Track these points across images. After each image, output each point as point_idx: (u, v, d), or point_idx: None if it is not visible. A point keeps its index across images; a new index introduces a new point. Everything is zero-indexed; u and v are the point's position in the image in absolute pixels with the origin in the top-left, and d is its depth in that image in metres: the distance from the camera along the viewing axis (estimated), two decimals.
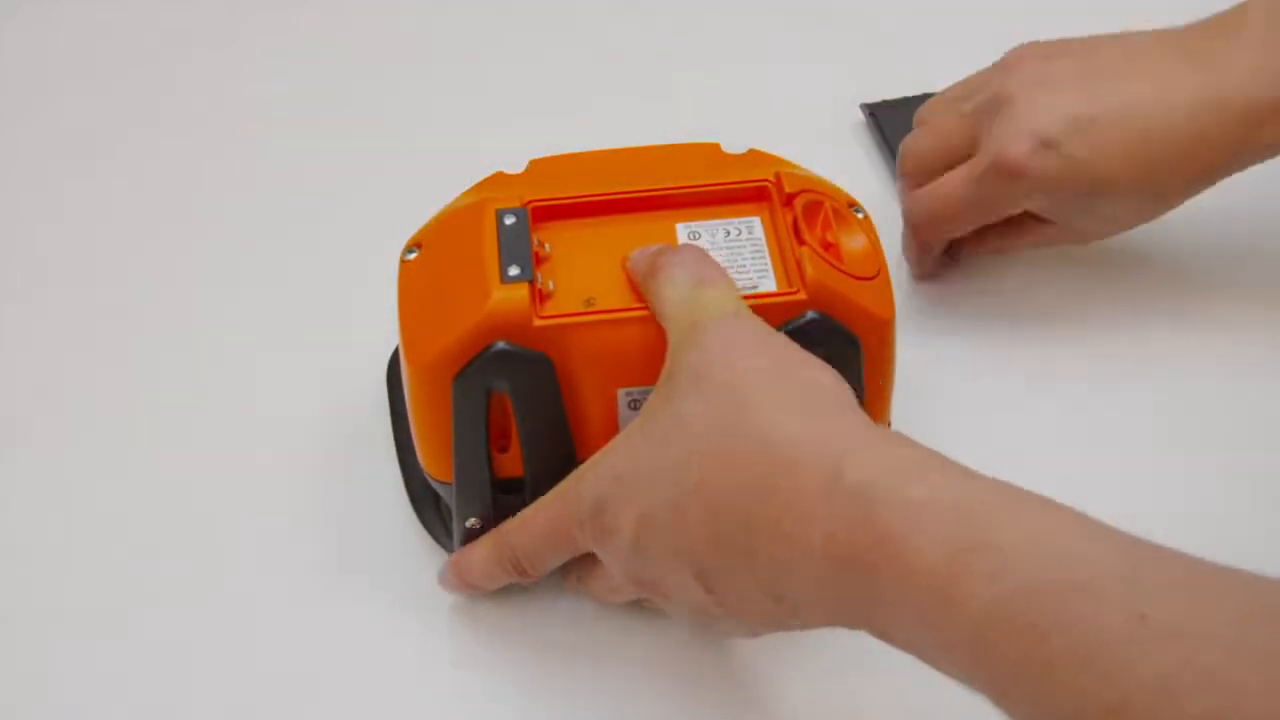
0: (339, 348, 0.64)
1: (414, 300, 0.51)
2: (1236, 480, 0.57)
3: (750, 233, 0.51)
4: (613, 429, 0.49)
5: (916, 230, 0.63)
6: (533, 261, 0.48)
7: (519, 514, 0.50)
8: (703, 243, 0.51)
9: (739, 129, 0.73)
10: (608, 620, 0.53)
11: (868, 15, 0.81)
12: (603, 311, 0.48)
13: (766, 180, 0.52)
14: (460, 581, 0.52)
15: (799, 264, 0.49)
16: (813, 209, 0.51)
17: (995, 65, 0.61)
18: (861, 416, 0.43)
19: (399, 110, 0.77)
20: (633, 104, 0.76)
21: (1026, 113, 0.57)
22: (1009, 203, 0.59)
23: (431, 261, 0.51)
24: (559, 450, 0.50)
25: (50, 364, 0.65)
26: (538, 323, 0.47)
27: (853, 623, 0.40)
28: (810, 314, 0.48)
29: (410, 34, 0.82)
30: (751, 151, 0.54)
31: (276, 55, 0.80)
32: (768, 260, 0.50)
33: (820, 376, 0.44)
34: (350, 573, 0.56)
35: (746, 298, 0.48)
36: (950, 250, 0.65)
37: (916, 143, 0.63)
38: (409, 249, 0.52)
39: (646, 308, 0.48)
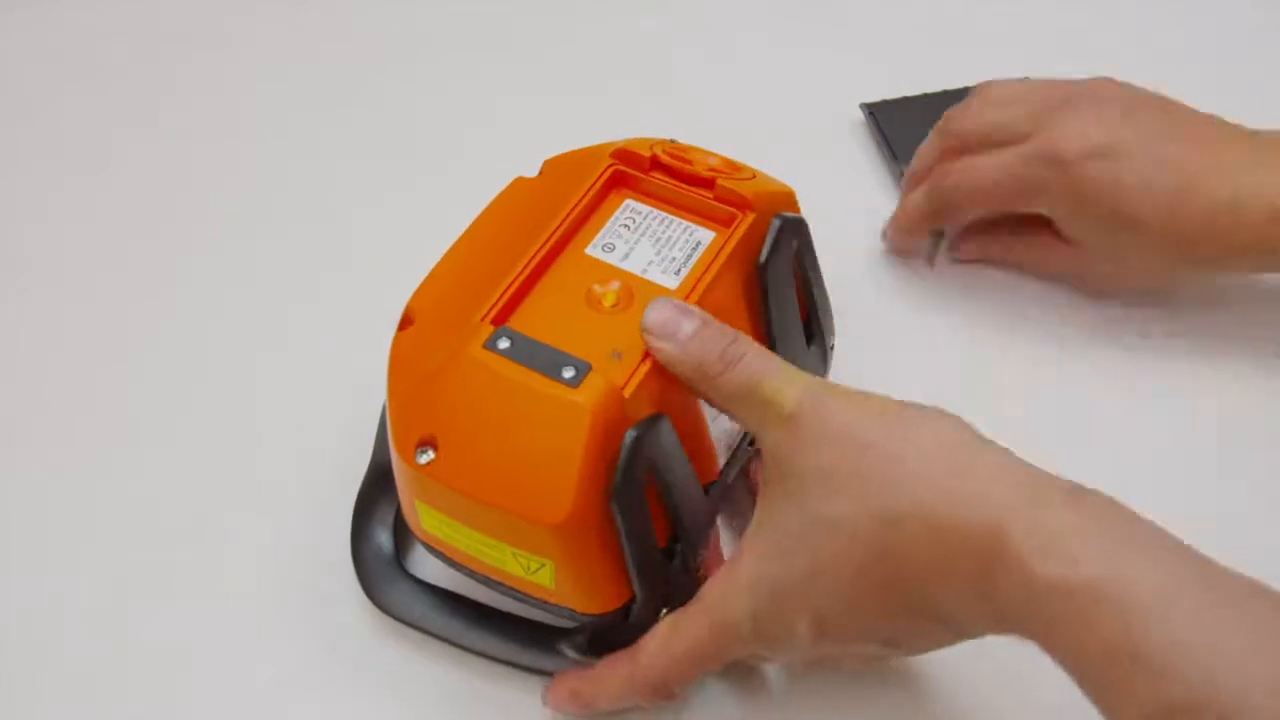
0: (340, 348, 0.64)
1: (482, 486, 0.46)
2: (1237, 481, 0.58)
3: (639, 212, 0.52)
4: (705, 437, 0.50)
5: (939, 199, 0.63)
6: (566, 353, 0.46)
7: (649, 642, 0.48)
8: (618, 250, 0.51)
9: (739, 128, 0.74)
10: None
11: (868, 15, 0.82)
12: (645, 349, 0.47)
13: (613, 165, 0.53)
14: (581, 706, 0.50)
15: (731, 194, 0.51)
16: (674, 155, 0.53)
17: (1079, 80, 0.62)
18: (996, 455, 0.43)
19: (399, 110, 0.77)
20: (632, 103, 0.76)
21: (1096, 118, 0.58)
22: (1041, 193, 0.59)
23: (465, 446, 0.46)
24: (693, 488, 0.49)
25: (50, 364, 0.65)
26: (627, 394, 0.46)
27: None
28: (777, 220, 0.51)
29: (411, 34, 0.81)
30: (547, 163, 0.55)
31: (277, 55, 0.80)
32: (679, 219, 0.52)
33: (940, 426, 0.44)
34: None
35: (720, 246, 0.50)
36: (960, 244, 0.65)
37: (972, 112, 0.62)
38: (421, 450, 0.47)
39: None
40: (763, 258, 0.51)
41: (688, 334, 0.47)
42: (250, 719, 0.53)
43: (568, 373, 0.45)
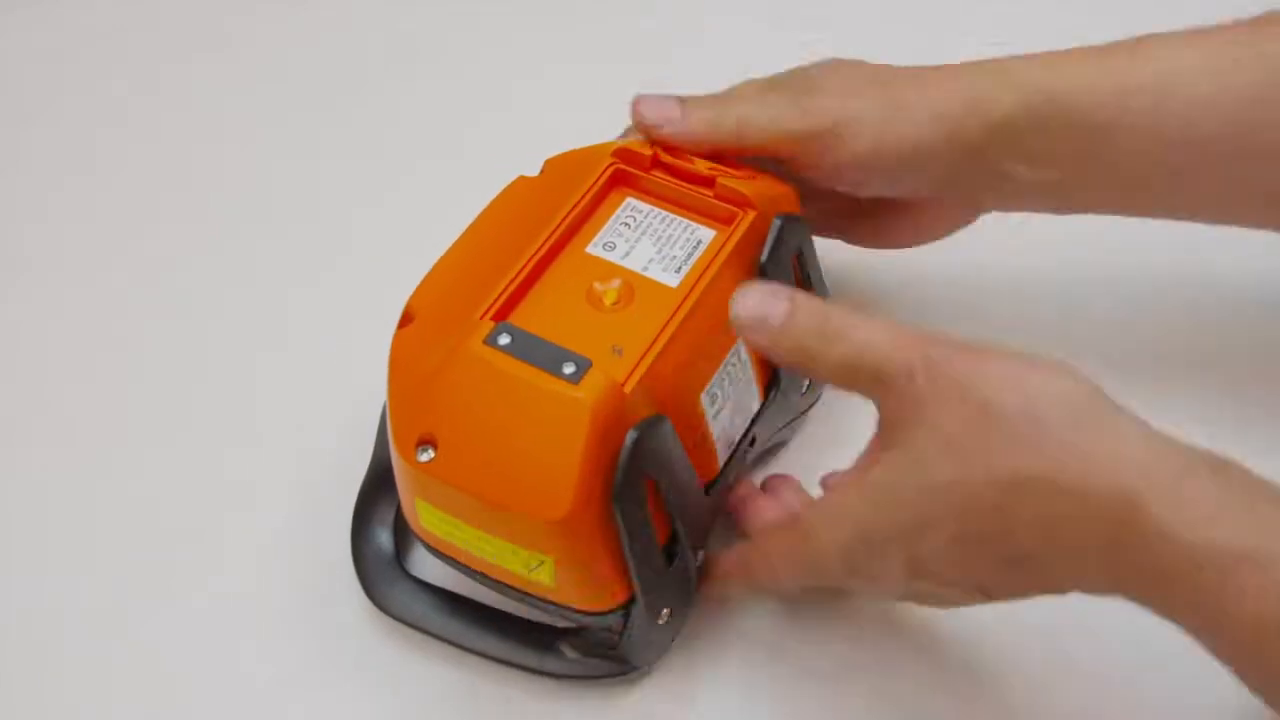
0: (340, 348, 0.64)
1: (482, 483, 0.46)
2: None
3: (640, 211, 0.52)
4: (705, 435, 0.50)
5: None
6: (567, 350, 0.46)
7: (759, 550, 0.49)
8: (619, 248, 0.51)
9: None
10: None
11: (868, 15, 0.81)
12: (652, 343, 0.47)
13: (614, 163, 0.53)
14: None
15: (732, 193, 0.51)
16: (672, 152, 0.53)
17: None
18: (1127, 419, 0.42)
19: (399, 110, 0.77)
20: (629, 101, 0.76)
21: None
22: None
23: (465, 444, 0.46)
24: (694, 488, 0.49)
25: (50, 364, 0.65)
26: (628, 390, 0.46)
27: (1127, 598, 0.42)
28: (778, 219, 0.51)
29: (411, 34, 0.81)
30: (549, 162, 0.54)
31: (277, 55, 0.80)
32: (681, 218, 0.52)
33: (1065, 384, 0.42)
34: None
35: (723, 243, 0.50)
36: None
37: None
38: (421, 448, 0.46)
39: (672, 316, 0.48)
40: (764, 256, 0.51)
41: (781, 318, 0.45)
42: (250, 719, 0.53)
43: (568, 369, 0.45)
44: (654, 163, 0.53)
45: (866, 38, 0.81)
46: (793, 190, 0.54)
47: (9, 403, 0.63)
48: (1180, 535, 0.39)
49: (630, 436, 0.45)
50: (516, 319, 0.48)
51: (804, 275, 0.55)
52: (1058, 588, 0.43)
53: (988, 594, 0.45)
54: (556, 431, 0.44)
